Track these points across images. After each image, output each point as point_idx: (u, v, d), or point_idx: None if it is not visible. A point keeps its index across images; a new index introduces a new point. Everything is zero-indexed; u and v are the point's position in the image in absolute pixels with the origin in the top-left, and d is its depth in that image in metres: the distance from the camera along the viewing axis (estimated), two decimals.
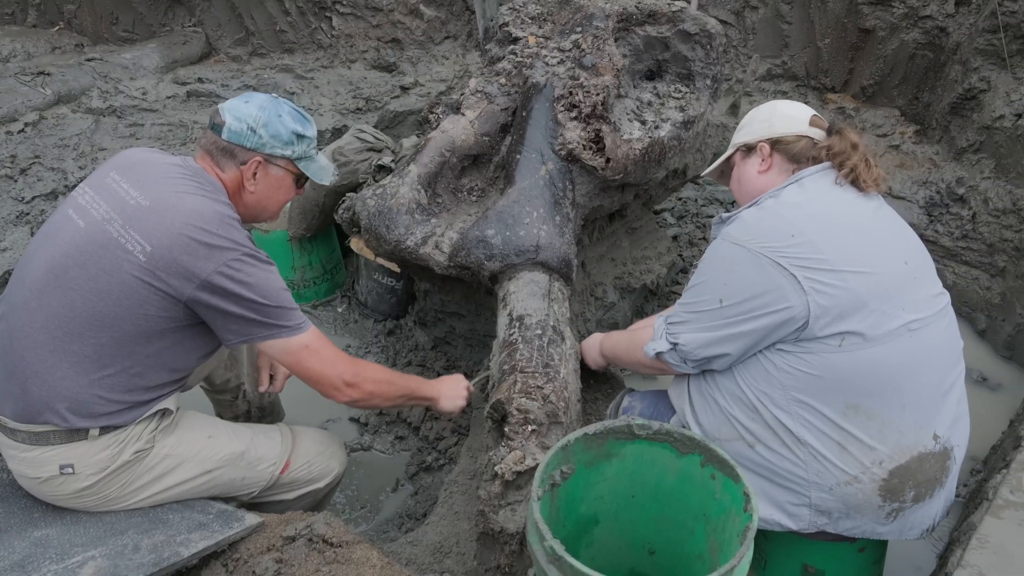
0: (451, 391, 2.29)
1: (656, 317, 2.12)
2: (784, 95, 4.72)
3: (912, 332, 1.81)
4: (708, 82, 3.15)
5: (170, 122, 3.89)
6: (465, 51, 4.83)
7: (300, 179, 2.13)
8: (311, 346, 1.94)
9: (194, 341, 1.93)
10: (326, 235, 3.61)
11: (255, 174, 2.01)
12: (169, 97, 4.24)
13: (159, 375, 1.91)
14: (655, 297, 3.42)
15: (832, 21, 4.47)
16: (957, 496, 2.11)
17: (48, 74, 4.12)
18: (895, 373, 1.81)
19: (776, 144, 2.05)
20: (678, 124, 2.97)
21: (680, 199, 4.16)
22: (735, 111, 4.54)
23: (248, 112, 1.98)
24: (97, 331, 1.81)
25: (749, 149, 2.11)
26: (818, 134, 2.03)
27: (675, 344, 1.92)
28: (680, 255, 3.71)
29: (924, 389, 1.84)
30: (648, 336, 2.04)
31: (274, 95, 2.11)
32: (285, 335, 1.90)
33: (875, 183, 1.95)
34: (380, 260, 3.20)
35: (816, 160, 1.99)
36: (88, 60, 4.40)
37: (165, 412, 1.97)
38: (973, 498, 2.21)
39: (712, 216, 4.09)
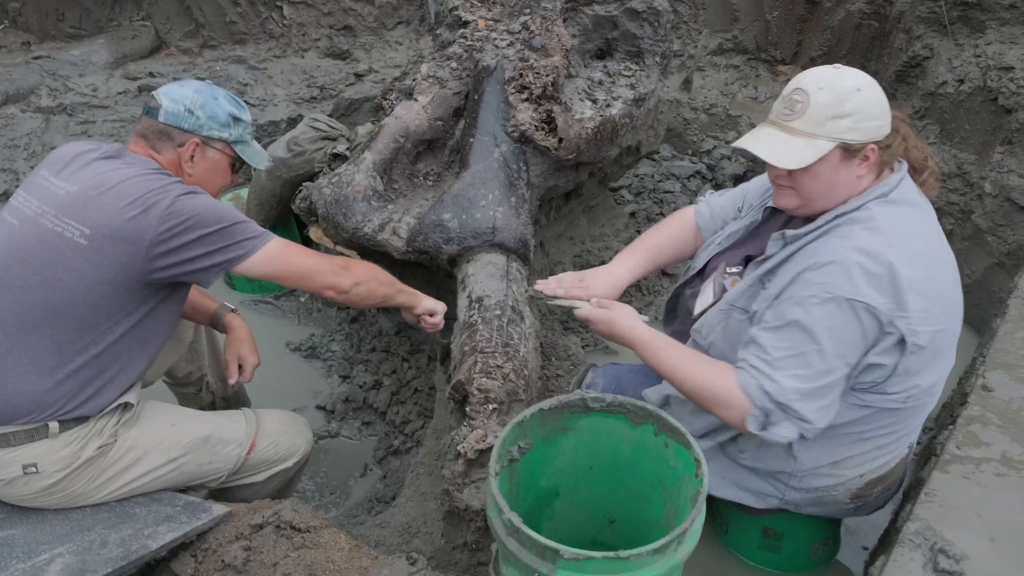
0: (431, 301, 2.34)
1: (736, 373, 1.74)
2: (736, 69, 4.79)
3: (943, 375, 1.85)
4: (658, 59, 3.19)
5: (122, 118, 3.86)
6: (418, 36, 4.83)
7: (235, 164, 2.14)
8: (289, 245, 1.96)
9: (152, 316, 1.93)
10: (285, 225, 3.61)
11: (192, 156, 2.02)
12: (120, 93, 4.20)
13: (122, 361, 1.91)
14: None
15: None
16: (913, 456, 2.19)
17: None
18: (921, 415, 1.89)
19: (883, 148, 1.74)
20: (629, 102, 3.01)
21: (637, 176, 4.21)
22: (688, 86, 4.60)
23: (185, 94, 1.99)
24: (52, 322, 1.81)
25: (852, 151, 1.70)
26: None
27: (806, 427, 1.69)
28: (638, 231, 3.75)
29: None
30: (739, 400, 1.70)
31: (208, 81, 2.12)
32: (259, 246, 1.90)
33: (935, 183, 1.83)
34: (339, 248, 3.21)
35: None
36: (35, 58, 4.33)
37: (127, 406, 1.98)
38: (923, 455, 2.28)
39: (669, 192, 4.14)
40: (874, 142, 1.70)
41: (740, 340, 1.82)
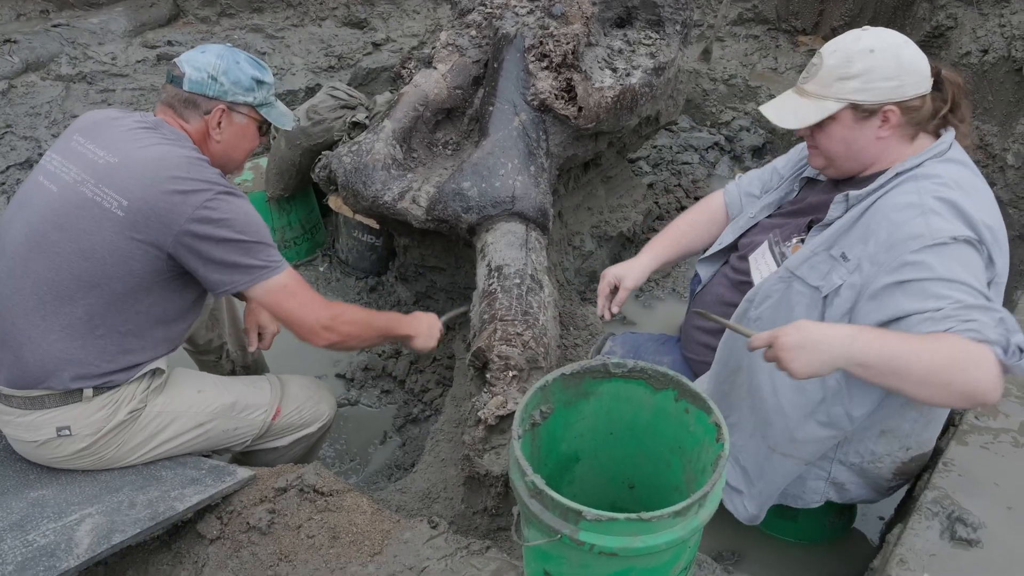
0: (426, 330, 2.31)
1: (947, 334, 1.52)
2: (756, 39, 4.74)
3: None
4: (678, 28, 3.17)
5: (141, 86, 3.87)
6: (436, 5, 4.80)
7: (262, 126, 2.15)
8: (289, 286, 1.95)
9: (180, 293, 1.96)
10: (304, 195, 3.63)
11: (220, 123, 2.03)
12: (139, 61, 4.20)
13: (150, 332, 1.94)
14: (632, 245, 3.47)
15: None
16: None
17: (15, 41, 4.06)
18: None
19: (905, 109, 1.71)
20: (649, 71, 2.99)
21: (655, 147, 4.19)
22: (707, 57, 4.56)
23: (207, 61, 2.00)
24: (86, 292, 1.84)
25: (868, 112, 1.72)
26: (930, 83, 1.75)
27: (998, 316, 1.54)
28: (656, 202, 3.75)
29: None
30: (981, 349, 1.48)
31: (228, 44, 2.13)
32: (266, 276, 1.91)
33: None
34: (359, 217, 3.22)
35: (933, 117, 1.75)
36: (55, 26, 4.34)
37: (156, 371, 2.01)
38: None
39: (687, 163, 4.12)
40: (893, 103, 1.69)
41: (793, 314, 1.78)
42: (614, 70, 2.95)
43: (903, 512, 2.12)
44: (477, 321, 2.31)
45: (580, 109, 2.71)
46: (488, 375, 2.02)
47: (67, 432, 1.89)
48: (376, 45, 4.43)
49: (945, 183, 1.66)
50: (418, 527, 1.83)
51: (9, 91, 3.79)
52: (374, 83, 4.28)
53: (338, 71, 4.30)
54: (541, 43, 2.76)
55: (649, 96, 3.01)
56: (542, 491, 1.34)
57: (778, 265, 1.92)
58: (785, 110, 1.83)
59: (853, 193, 1.78)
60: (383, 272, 3.52)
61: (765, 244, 2.00)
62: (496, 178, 2.59)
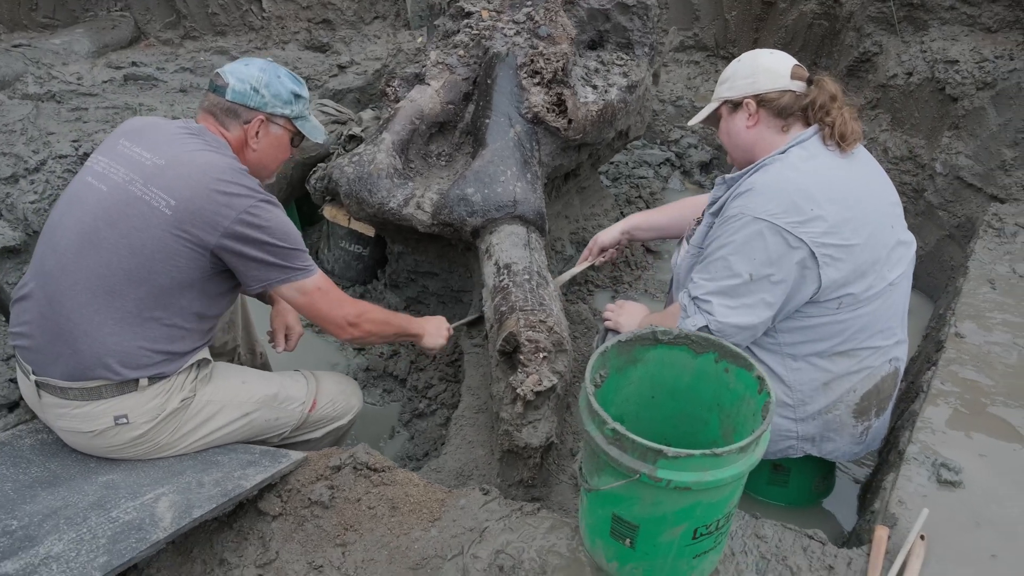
0: (435, 330, 2.51)
1: (680, 295, 2.19)
2: (696, 64, 5.09)
3: (893, 286, 2.13)
4: (646, 49, 3.45)
5: (115, 105, 3.90)
6: (395, 30, 4.98)
7: (295, 138, 2.29)
8: (322, 287, 2.11)
9: (219, 288, 2.07)
10: (287, 210, 3.72)
11: (258, 132, 2.16)
12: (106, 81, 4.22)
13: (192, 324, 2.04)
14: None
15: None
16: None
17: None
18: (877, 321, 2.13)
19: (761, 101, 2.13)
20: (623, 88, 3.26)
21: (612, 163, 4.46)
22: (655, 80, 4.87)
23: (250, 74, 2.13)
24: (136, 286, 1.93)
25: (735, 105, 2.19)
26: (799, 86, 2.12)
27: (710, 318, 2.05)
28: (622, 212, 4.00)
29: (893, 328, 2.20)
30: (677, 314, 2.15)
31: (269, 59, 2.27)
32: (300, 277, 2.06)
33: (855, 139, 2.10)
34: (355, 225, 3.35)
35: (802, 111, 2.11)
36: (15, 46, 4.32)
37: (203, 361, 2.11)
38: (905, 396, 2.58)
39: (644, 177, 4.40)
40: (750, 95, 2.14)
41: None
42: (594, 87, 3.20)
43: (879, 474, 2.39)
44: (493, 314, 2.48)
45: (570, 121, 2.94)
46: (521, 357, 2.19)
47: (124, 420, 1.97)
48: (341, 67, 4.57)
49: (764, 199, 2.02)
50: (471, 494, 1.98)
51: None
52: (342, 103, 4.42)
53: None
54: (532, 61, 2.99)
55: (624, 111, 3.28)
56: (623, 436, 1.53)
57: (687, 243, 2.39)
58: (695, 116, 2.37)
59: (728, 176, 2.22)
60: (368, 281, 3.64)
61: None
62: (498, 184, 2.78)
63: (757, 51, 2.22)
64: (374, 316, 2.28)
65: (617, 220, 3.84)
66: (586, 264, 2.94)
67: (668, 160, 4.60)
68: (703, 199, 2.69)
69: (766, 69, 2.14)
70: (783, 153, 2.10)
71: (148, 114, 3.84)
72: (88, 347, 1.92)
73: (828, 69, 4.65)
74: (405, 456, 2.80)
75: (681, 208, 2.82)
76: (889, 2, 4.09)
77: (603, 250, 2.89)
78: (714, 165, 4.68)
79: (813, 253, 1.98)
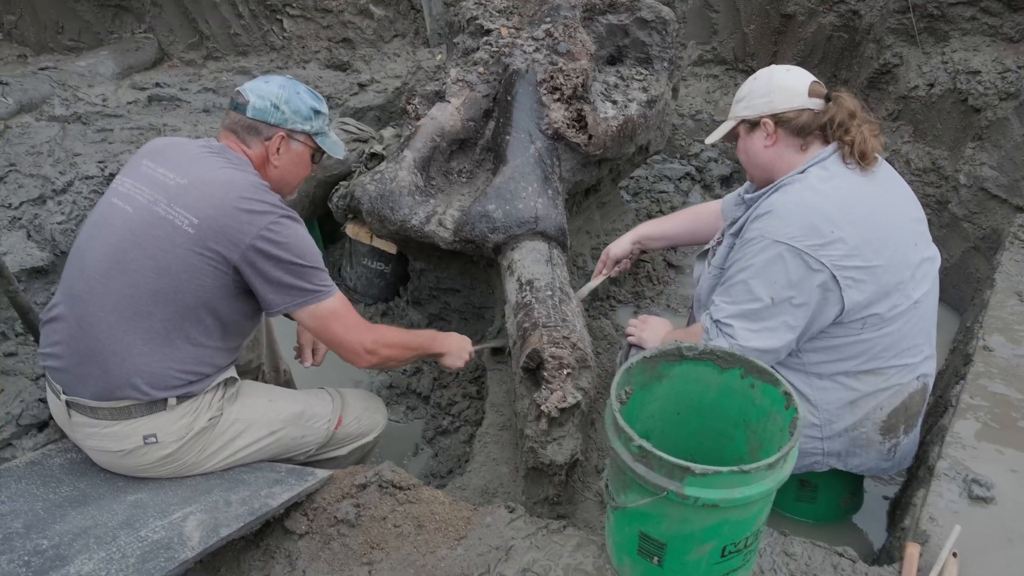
0: (457, 349, 2.49)
1: (702, 316, 2.20)
2: (715, 78, 5.09)
3: (919, 304, 2.11)
4: (665, 64, 3.46)
5: (140, 126, 3.95)
6: (415, 48, 5.02)
7: (316, 154, 2.31)
8: (337, 311, 2.10)
9: (245, 307, 2.09)
10: (310, 226, 3.76)
11: (279, 149, 2.18)
12: (130, 103, 4.28)
13: (218, 343, 2.06)
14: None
15: (756, 8, 4.85)
16: None
17: (6, 83, 4.11)
18: (904, 339, 2.11)
19: (779, 120, 2.11)
20: (643, 103, 3.26)
21: (632, 178, 4.46)
22: (675, 94, 4.88)
23: (270, 91, 2.15)
24: (163, 306, 1.95)
25: (752, 124, 2.17)
26: (817, 103, 2.10)
27: (732, 342, 2.03)
28: None
29: (921, 345, 2.18)
30: (700, 332, 2.15)
31: (288, 76, 2.29)
32: (316, 300, 2.05)
33: (876, 156, 2.09)
34: (377, 242, 3.37)
35: (821, 129, 2.09)
36: (42, 69, 4.40)
37: (230, 380, 2.13)
38: (934, 411, 2.55)
39: (664, 192, 4.40)
40: (767, 115, 2.12)
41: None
42: (614, 102, 3.21)
43: (908, 489, 2.37)
44: (515, 330, 2.49)
45: (590, 137, 2.95)
46: (544, 374, 2.19)
47: (153, 439, 1.99)
48: (362, 86, 4.61)
49: (784, 222, 2.01)
50: (497, 512, 1.98)
51: (5, 131, 3.83)
52: (362, 121, 4.45)
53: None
54: (552, 77, 3.00)
55: (644, 126, 3.28)
56: (649, 453, 1.52)
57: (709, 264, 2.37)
58: (712, 133, 2.33)
59: (748, 196, 2.22)
60: (391, 298, 3.66)
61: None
62: (519, 200, 2.79)
63: (773, 68, 2.21)
64: (392, 340, 2.26)
65: None
66: (602, 277, 2.94)
67: (688, 174, 4.59)
68: (713, 206, 2.69)
69: (783, 87, 2.12)
70: (802, 173, 2.09)
71: (172, 134, 3.89)
72: (117, 367, 1.95)
73: (848, 82, 4.63)
74: (429, 473, 2.80)
75: (691, 216, 2.82)
76: (909, 13, 4.08)
77: (616, 262, 2.90)
78: (734, 178, 4.67)
79: (834, 276, 1.97)
